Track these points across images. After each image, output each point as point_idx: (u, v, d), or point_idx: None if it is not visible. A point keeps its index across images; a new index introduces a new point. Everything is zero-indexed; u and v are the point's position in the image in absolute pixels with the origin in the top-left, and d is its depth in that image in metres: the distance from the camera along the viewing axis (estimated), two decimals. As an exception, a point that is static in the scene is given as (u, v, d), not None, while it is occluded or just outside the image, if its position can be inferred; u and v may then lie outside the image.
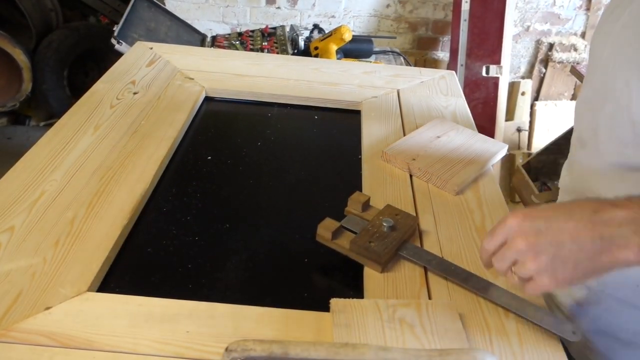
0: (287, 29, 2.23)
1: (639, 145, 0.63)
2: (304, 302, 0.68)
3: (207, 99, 1.17)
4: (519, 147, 2.70)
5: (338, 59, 1.89)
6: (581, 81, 2.08)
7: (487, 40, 2.46)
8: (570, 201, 0.59)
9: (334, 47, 1.88)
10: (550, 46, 2.71)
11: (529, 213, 0.56)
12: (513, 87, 2.74)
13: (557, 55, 2.69)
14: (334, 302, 0.64)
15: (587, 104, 0.73)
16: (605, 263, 0.52)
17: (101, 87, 1.13)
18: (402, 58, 2.13)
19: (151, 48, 1.33)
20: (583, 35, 2.70)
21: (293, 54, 2.05)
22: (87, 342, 0.59)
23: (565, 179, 0.81)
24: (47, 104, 2.37)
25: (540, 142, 2.64)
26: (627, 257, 0.51)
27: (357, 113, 1.16)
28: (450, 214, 0.85)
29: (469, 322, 0.65)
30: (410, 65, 2.06)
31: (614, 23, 0.65)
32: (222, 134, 1.08)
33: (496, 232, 0.57)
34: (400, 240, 0.74)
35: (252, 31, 2.27)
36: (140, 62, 1.25)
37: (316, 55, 1.90)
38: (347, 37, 1.86)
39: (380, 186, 0.91)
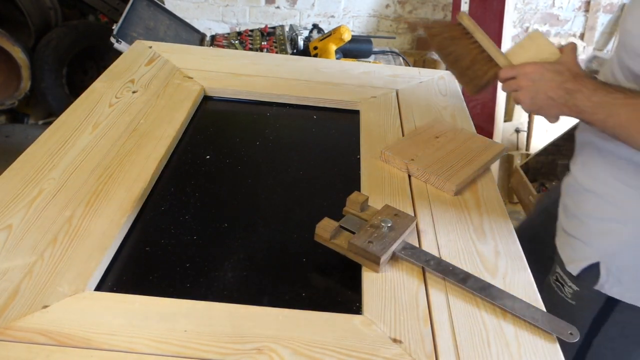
0: (287, 28, 2.23)
1: None
2: (302, 301, 0.68)
3: (206, 98, 1.17)
4: (517, 148, 2.69)
5: (337, 58, 1.89)
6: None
7: (486, 41, 2.46)
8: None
9: (333, 47, 1.88)
10: (549, 47, 2.71)
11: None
12: (512, 88, 2.74)
13: (556, 56, 2.69)
14: None
15: None
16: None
17: (100, 85, 1.12)
18: (401, 58, 2.13)
19: (150, 47, 1.32)
20: (582, 37, 2.70)
21: (292, 53, 2.05)
22: (85, 341, 0.58)
23: None
24: (45, 103, 2.36)
25: (538, 143, 2.64)
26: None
27: (356, 113, 1.16)
28: (449, 215, 0.85)
29: (467, 323, 0.66)
30: (410, 66, 2.05)
31: None
32: (220, 133, 1.08)
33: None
34: (399, 240, 0.74)
35: (252, 31, 2.26)
36: (140, 61, 1.25)
37: (315, 55, 1.90)
38: (347, 37, 1.86)
39: (378, 186, 0.91)
